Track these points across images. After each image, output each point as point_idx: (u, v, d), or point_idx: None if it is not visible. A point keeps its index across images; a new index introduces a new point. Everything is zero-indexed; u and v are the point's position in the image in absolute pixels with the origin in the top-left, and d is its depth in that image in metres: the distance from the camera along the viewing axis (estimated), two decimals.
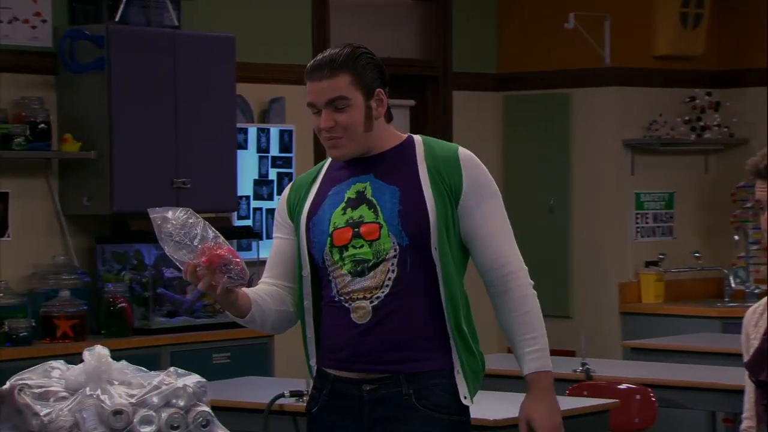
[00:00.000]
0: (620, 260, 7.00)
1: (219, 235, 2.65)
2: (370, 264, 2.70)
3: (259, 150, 6.15)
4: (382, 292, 2.69)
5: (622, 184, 7.01)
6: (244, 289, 2.73)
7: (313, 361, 2.79)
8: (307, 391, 2.87)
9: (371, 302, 2.69)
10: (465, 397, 2.72)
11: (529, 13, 7.18)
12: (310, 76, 2.78)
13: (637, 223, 7.07)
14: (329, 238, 2.73)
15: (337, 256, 2.72)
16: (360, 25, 6.73)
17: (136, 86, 5.44)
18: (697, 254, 7.14)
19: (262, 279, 2.87)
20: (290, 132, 6.24)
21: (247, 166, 6.08)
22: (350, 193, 2.75)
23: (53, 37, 5.51)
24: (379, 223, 2.71)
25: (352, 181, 2.76)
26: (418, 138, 2.81)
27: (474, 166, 2.75)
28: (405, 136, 2.81)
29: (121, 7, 5.46)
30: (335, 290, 2.73)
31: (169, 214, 2.60)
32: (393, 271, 2.69)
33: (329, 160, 2.85)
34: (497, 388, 4.63)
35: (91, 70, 5.39)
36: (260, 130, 6.16)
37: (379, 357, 2.68)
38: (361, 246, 2.71)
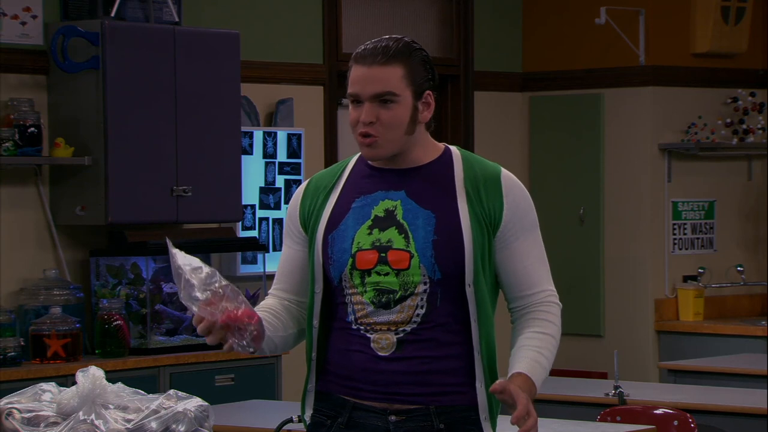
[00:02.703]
0: (656, 275, 6.98)
1: (240, 294, 2.58)
2: (397, 296, 2.66)
3: (266, 155, 6.16)
4: (409, 327, 2.66)
5: (658, 193, 7.00)
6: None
7: (311, 385, 2.75)
8: (299, 417, 2.79)
9: (396, 334, 2.66)
10: None
11: (557, 8, 7.19)
12: (359, 60, 2.68)
13: (675, 234, 7.06)
14: (351, 259, 2.68)
15: (357, 280, 2.68)
16: (374, 20, 6.75)
17: (133, 87, 5.46)
18: (739, 268, 7.12)
19: (272, 290, 2.83)
20: (299, 136, 6.25)
21: (253, 173, 6.09)
22: (378, 211, 2.69)
23: (44, 34, 5.53)
24: (409, 251, 2.65)
25: (380, 195, 2.70)
26: (456, 151, 2.75)
27: (517, 193, 2.71)
28: (443, 147, 2.77)
29: (118, 1, 5.48)
30: (352, 316, 2.69)
31: (190, 261, 2.55)
32: (422, 307, 2.66)
33: (353, 161, 2.78)
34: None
35: (85, 69, 5.41)
36: (266, 134, 6.17)
37: (404, 389, 2.67)
38: (387, 273, 2.66)
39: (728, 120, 7.08)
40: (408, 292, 2.66)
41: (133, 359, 5.41)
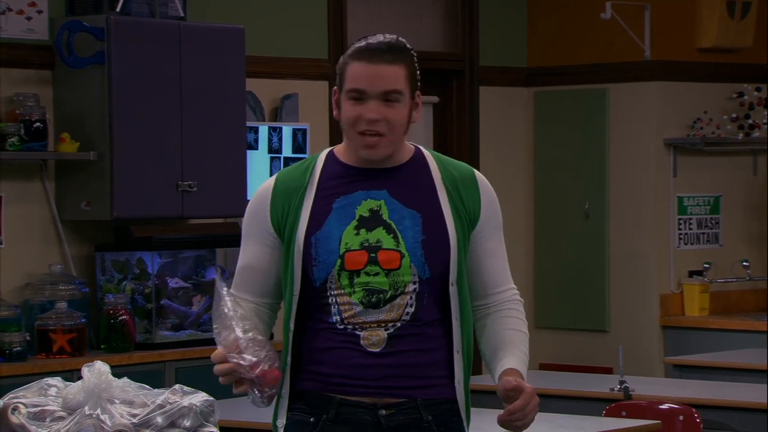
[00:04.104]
0: (661, 270, 6.98)
1: (277, 356, 2.61)
2: (387, 296, 2.66)
3: (271, 150, 6.16)
4: (399, 323, 2.67)
5: (664, 188, 6.99)
6: None
7: (286, 390, 2.72)
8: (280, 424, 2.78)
9: (386, 330, 2.67)
10: None
11: (562, 2, 7.18)
12: (364, 56, 2.66)
13: (680, 229, 7.05)
14: (340, 260, 2.66)
15: (345, 281, 2.66)
16: (380, 15, 6.74)
17: (138, 82, 5.46)
18: (745, 263, 7.11)
19: (236, 294, 2.76)
20: (304, 131, 6.25)
21: (258, 168, 6.09)
22: (362, 211, 2.68)
23: (50, 29, 5.53)
24: (400, 251, 2.66)
25: (361, 195, 2.69)
26: (426, 152, 2.77)
27: (490, 193, 2.76)
28: (413, 147, 2.77)
29: None
30: (338, 317, 2.68)
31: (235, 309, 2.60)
32: (411, 306, 2.67)
33: (321, 159, 2.74)
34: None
35: (90, 64, 5.41)
36: (272, 129, 6.17)
37: (394, 382, 2.68)
38: (377, 274, 2.65)
39: (734, 115, 7.07)
40: (398, 292, 2.66)
41: (139, 354, 5.42)
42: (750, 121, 7.08)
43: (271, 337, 2.83)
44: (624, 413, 4.61)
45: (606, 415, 4.61)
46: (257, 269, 2.75)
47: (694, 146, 6.98)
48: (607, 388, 5.00)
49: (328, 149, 2.78)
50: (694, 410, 4.57)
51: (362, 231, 2.67)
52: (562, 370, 6.69)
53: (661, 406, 4.63)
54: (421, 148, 2.78)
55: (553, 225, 7.17)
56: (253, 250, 2.75)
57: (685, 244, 7.05)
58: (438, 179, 2.72)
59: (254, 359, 2.57)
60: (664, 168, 6.98)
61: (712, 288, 7.00)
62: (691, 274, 7.02)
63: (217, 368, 2.60)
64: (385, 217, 2.68)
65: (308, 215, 2.70)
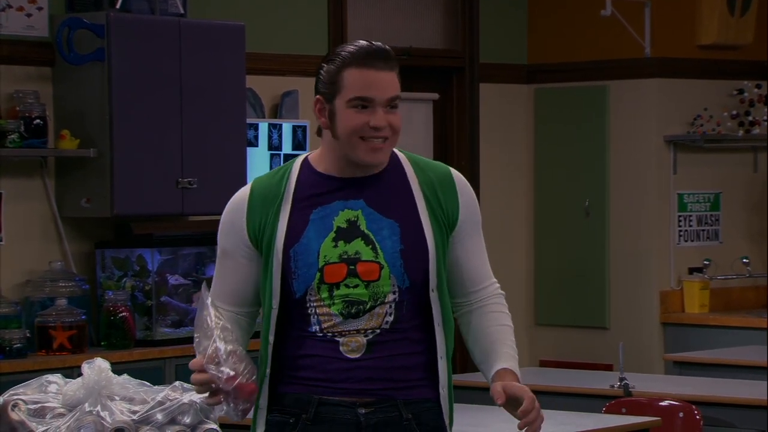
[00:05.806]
0: (662, 267, 6.98)
1: (255, 371, 2.62)
2: (367, 307, 2.66)
3: (271, 147, 6.16)
4: (379, 330, 2.67)
5: (664, 185, 7.00)
6: None
7: (264, 401, 2.70)
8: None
9: (365, 336, 2.67)
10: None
11: None
12: (368, 62, 2.63)
13: (680, 226, 7.05)
14: (319, 273, 2.65)
15: (325, 294, 2.66)
16: (380, 12, 6.74)
17: (138, 79, 5.46)
18: (745, 260, 7.11)
19: (215, 302, 2.73)
20: (304, 128, 6.25)
21: (258, 165, 6.09)
22: (339, 222, 2.67)
23: (50, 26, 5.53)
24: (379, 263, 2.65)
25: (339, 205, 2.67)
26: (401, 156, 2.75)
27: (468, 192, 2.75)
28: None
29: None
30: (317, 326, 2.68)
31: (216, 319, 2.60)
32: (390, 315, 2.67)
33: (296, 167, 2.72)
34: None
35: (90, 61, 5.41)
36: (272, 126, 6.17)
37: (373, 384, 2.68)
38: (356, 286, 2.65)
39: (734, 112, 7.07)
40: (377, 302, 2.66)
41: (139, 351, 5.42)
42: (750, 118, 7.08)
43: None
44: (624, 410, 4.62)
45: (606, 412, 4.61)
46: (235, 280, 2.73)
47: (695, 143, 6.98)
48: (607, 385, 5.01)
49: (303, 156, 2.75)
50: (694, 407, 4.57)
51: (340, 243, 2.66)
52: (562, 367, 6.69)
53: (661, 403, 4.63)
54: (396, 151, 2.75)
55: (554, 222, 7.17)
56: (231, 261, 2.73)
57: (686, 241, 7.05)
58: (415, 185, 2.71)
59: (232, 372, 2.56)
60: (665, 165, 6.98)
61: (712, 285, 7.00)
62: (692, 271, 7.02)
63: (195, 377, 2.59)
64: (363, 227, 2.67)
65: (285, 228, 2.68)
